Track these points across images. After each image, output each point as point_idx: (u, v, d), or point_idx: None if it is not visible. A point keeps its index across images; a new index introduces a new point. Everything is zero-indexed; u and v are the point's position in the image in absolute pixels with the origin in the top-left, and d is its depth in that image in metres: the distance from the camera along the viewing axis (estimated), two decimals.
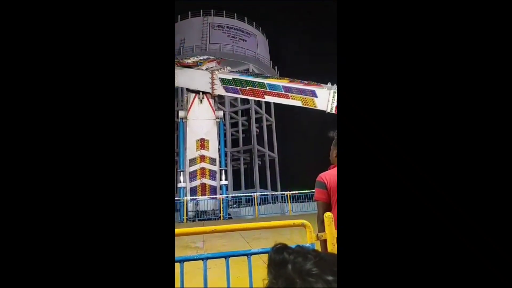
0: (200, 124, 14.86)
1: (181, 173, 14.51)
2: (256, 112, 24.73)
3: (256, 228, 2.41)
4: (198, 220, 13.30)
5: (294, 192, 14.63)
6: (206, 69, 14.82)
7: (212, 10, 25.35)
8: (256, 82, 13.92)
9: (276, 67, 27.94)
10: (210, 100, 15.16)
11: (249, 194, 16.69)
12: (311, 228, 1.91)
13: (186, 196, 13.88)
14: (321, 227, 1.83)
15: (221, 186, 14.64)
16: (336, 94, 12.51)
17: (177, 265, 1.80)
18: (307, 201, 14.37)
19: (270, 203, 16.01)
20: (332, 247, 1.74)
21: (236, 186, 24.99)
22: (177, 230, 1.72)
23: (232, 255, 1.94)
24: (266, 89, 13.80)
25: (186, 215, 13.26)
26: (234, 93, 14.91)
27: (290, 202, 14.41)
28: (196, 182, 14.27)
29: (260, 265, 1.45)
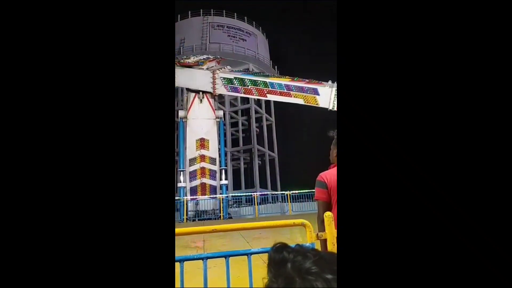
0: (200, 123, 14.87)
1: (181, 172, 14.51)
2: (256, 112, 24.73)
3: (256, 228, 2.41)
4: (198, 219, 13.32)
5: (294, 191, 14.65)
6: (207, 68, 14.82)
7: (212, 10, 25.34)
8: (258, 81, 13.94)
9: (276, 67, 27.95)
10: (210, 99, 15.18)
11: (249, 193, 16.71)
12: (311, 228, 1.90)
13: (186, 195, 13.89)
14: (321, 227, 1.83)
15: (221, 186, 14.65)
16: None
17: (177, 264, 1.79)
18: (307, 201, 14.40)
19: (270, 202, 16.03)
20: (332, 247, 1.73)
21: (236, 186, 25.00)
22: (177, 230, 1.72)
23: (232, 254, 1.93)
24: (268, 87, 13.82)
25: (186, 214, 13.27)
26: (235, 92, 14.92)
27: (290, 202, 14.44)
28: (196, 182, 14.28)
29: (260, 264, 1.45)
